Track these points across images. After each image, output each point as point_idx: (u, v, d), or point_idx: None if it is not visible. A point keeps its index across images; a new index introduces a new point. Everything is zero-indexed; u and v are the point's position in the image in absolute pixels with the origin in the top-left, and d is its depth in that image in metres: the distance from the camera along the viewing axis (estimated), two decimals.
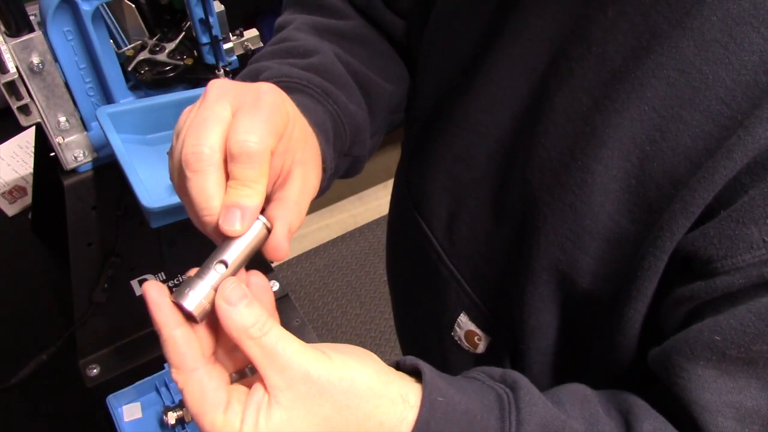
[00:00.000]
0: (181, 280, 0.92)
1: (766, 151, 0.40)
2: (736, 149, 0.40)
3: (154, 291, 0.39)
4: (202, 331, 0.41)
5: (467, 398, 0.43)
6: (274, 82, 0.52)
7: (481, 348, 0.64)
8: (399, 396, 0.41)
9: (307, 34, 0.62)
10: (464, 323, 0.65)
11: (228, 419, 0.38)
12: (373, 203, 2.35)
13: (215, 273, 0.39)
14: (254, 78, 0.56)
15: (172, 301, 0.39)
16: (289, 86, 0.54)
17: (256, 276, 0.42)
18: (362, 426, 0.39)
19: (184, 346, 0.39)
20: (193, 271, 0.40)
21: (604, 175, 0.47)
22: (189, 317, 0.39)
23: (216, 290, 0.39)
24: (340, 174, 0.62)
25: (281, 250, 0.42)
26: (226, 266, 0.40)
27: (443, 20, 0.61)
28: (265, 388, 0.38)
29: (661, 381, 0.47)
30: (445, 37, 0.61)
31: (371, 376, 0.40)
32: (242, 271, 0.42)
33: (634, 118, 0.45)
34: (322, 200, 2.33)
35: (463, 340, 0.66)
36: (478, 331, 0.63)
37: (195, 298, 0.38)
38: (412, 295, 0.76)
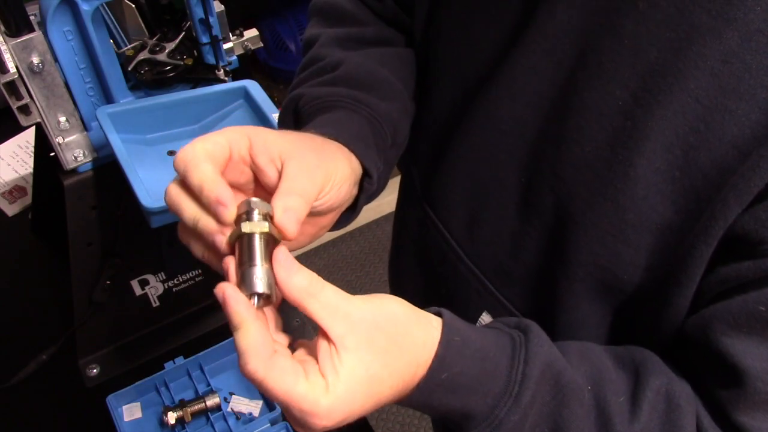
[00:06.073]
0: (180, 279, 0.93)
1: None
2: None
3: (230, 290, 0.42)
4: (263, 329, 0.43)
5: (482, 338, 0.47)
6: (309, 107, 0.59)
7: None
8: (429, 321, 0.47)
9: (331, 48, 0.67)
10: (486, 322, 0.64)
11: (311, 381, 0.42)
12: (373, 203, 2.34)
13: (259, 258, 0.43)
14: (294, 108, 0.61)
15: (247, 294, 0.42)
16: (323, 106, 0.59)
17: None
18: (412, 349, 0.45)
19: (261, 337, 0.41)
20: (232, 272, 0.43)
21: (647, 168, 0.47)
22: (262, 298, 0.43)
23: (272, 268, 0.43)
24: (395, 162, 0.68)
25: (285, 227, 0.44)
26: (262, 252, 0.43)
27: (459, 21, 0.61)
28: (329, 340, 0.43)
29: (695, 343, 0.49)
30: (463, 37, 0.61)
31: (405, 305, 0.46)
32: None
33: (677, 110, 0.45)
34: None
35: None
36: None
37: (263, 281, 0.42)
38: (424, 297, 0.76)
